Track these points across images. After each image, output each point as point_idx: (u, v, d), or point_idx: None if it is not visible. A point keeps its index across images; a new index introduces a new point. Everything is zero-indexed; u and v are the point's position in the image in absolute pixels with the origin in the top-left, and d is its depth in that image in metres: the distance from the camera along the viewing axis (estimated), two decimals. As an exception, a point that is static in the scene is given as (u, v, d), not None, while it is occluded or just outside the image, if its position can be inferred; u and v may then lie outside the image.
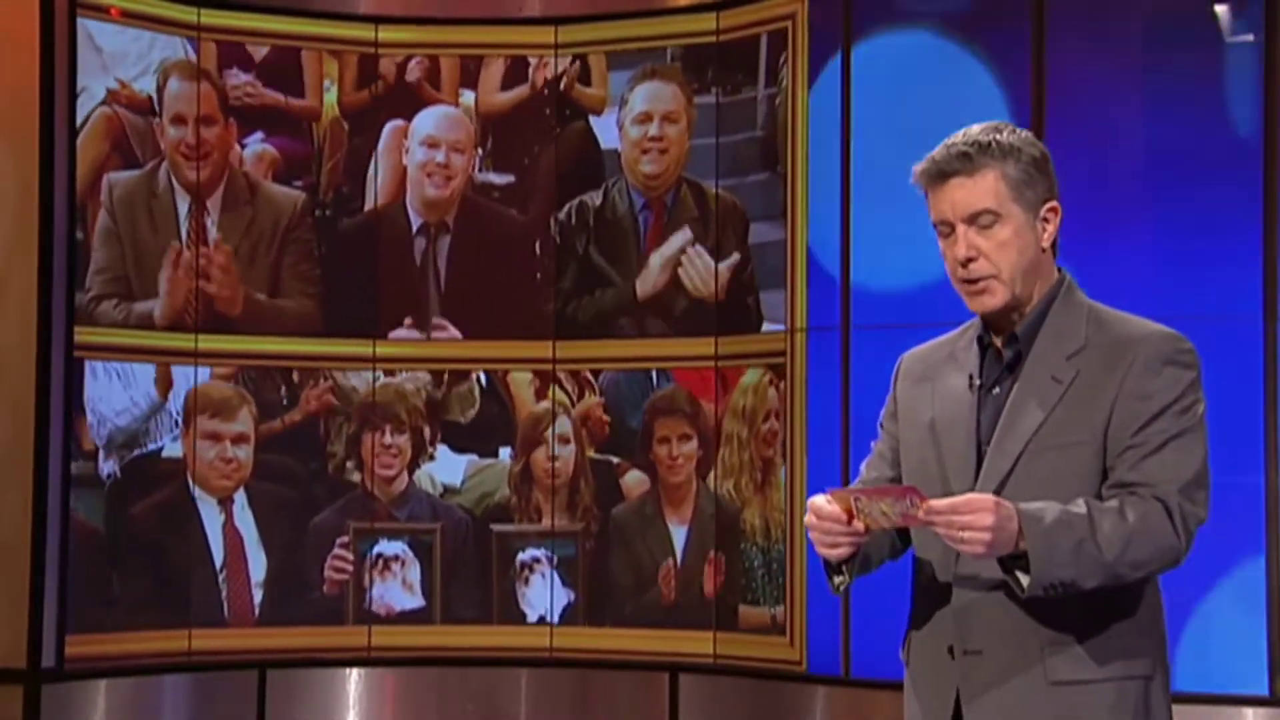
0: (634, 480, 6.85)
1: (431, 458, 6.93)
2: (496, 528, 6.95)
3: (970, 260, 2.99)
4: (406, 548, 6.89)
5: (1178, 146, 5.76)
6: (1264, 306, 5.59)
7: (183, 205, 6.68)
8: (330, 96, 6.91)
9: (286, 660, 6.77)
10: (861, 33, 6.27)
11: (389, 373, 6.90)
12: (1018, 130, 3.05)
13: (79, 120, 6.42)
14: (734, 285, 6.63)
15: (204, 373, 6.70)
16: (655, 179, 6.84)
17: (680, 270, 6.76)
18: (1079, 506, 2.87)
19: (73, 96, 6.36)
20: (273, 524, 6.78)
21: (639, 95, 6.87)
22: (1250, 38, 5.66)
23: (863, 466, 3.26)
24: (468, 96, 6.99)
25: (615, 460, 6.88)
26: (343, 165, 6.94)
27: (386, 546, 6.89)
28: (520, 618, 6.90)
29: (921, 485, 2.89)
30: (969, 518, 2.80)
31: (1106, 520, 2.86)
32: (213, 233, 6.72)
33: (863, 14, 6.27)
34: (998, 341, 3.06)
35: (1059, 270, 3.07)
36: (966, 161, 2.99)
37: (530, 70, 6.98)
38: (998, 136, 3.00)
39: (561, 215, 6.94)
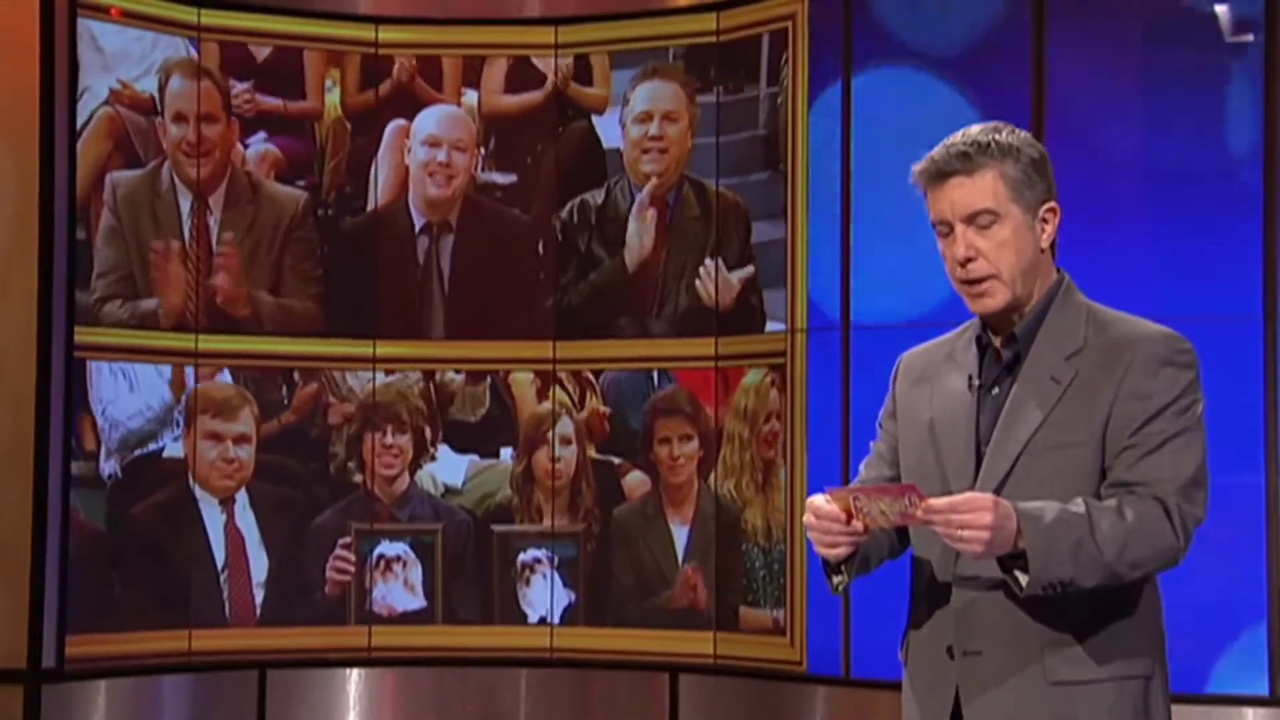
0: (635, 481, 6.85)
1: (433, 458, 6.93)
2: (498, 528, 6.95)
3: (969, 260, 3.00)
4: (408, 549, 6.89)
5: (1178, 147, 5.76)
6: (1264, 307, 5.59)
7: (185, 204, 6.68)
8: (332, 96, 6.91)
9: (287, 660, 6.77)
10: (861, 33, 6.27)
11: (390, 373, 6.91)
12: (1017, 131, 3.06)
13: (82, 120, 6.42)
14: (738, 285, 6.63)
15: (204, 373, 6.71)
16: (656, 178, 6.83)
17: (698, 282, 6.75)
18: (1077, 506, 2.87)
19: (73, 96, 6.36)
20: (274, 524, 6.78)
21: (640, 94, 6.87)
22: (1250, 38, 5.66)
23: (862, 466, 3.27)
24: (470, 96, 6.99)
25: (616, 461, 6.88)
26: (345, 165, 6.94)
27: (388, 547, 6.89)
28: (521, 618, 6.90)
29: (921, 485, 2.89)
30: (968, 516, 2.80)
31: (1105, 519, 2.86)
32: (215, 231, 6.72)
33: (863, 14, 6.27)
34: (996, 342, 3.06)
35: (1058, 271, 3.08)
36: (966, 161, 2.99)
37: (533, 70, 6.98)
38: (997, 137, 3.01)
39: (564, 214, 6.94)
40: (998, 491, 2.91)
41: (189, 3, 6.68)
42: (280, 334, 6.81)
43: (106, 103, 6.50)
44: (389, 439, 6.89)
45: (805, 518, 2.98)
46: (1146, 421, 2.93)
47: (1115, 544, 2.85)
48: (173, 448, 6.64)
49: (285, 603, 6.78)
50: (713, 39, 6.72)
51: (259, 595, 6.76)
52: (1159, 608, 3.03)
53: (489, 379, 6.96)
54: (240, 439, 6.74)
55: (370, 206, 6.94)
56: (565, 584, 6.91)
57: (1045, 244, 3.03)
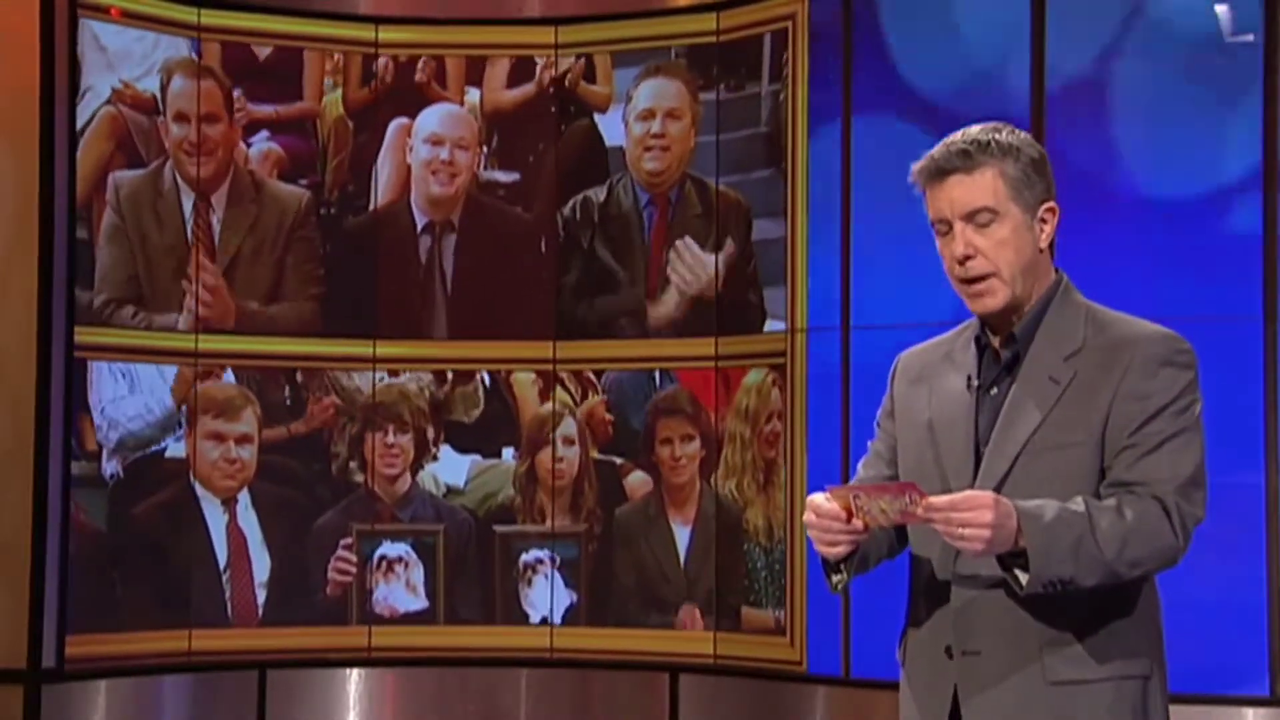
0: (637, 481, 6.85)
1: (435, 458, 6.93)
2: (499, 529, 6.95)
3: (968, 258, 3.00)
4: (410, 549, 6.89)
5: (1177, 148, 5.76)
6: (1264, 307, 5.59)
7: (187, 204, 6.69)
8: (334, 95, 6.91)
9: (287, 660, 6.77)
10: (862, 32, 6.27)
11: (391, 373, 6.91)
12: (1017, 131, 3.06)
13: (85, 120, 6.43)
14: (737, 283, 6.63)
15: (205, 373, 6.71)
16: (658, 176, 6.83)
17: (673, 272, 6.75)
18: (1077, 504, 2.87)
19: (73, 97, 6.37)
20: (276, 525, 6.78)
21: (643, 92, 6.87)
22: (1250, 38, 5.66)
23: (860, 465, 3.26)
24: (472, 94, 6.99)
25: (618, 461, 6.88)
26: (347, 164, 6.94)
27: (390, 548, 6.89)
28: (523, 618, 6.90)
29: (920, 485, 2.89)
30: (968, 514, 2.80)
31: (1105, 518, 2.86)
32: (218, 230, 6.72)
33: (863, 14, 6.27)
34: (995, 342, 3.06)
35: (1056, 271, 3.08)
36: (966, 159, 2.99)
37: (535, 68, 6.98)
38: (997, 136, 3.01)
39: (566, 211, 6.94)
40: (996, 491, 2.90)
41: (189, 3, 6.69)
42: (281, 334, 6.81)
43: (109, 102, 6.51)
44: (390, 438, 6.89)
45: (805, 516, 2.98)
46: (1145, 421, 2.93)
47: (1115, 543, 2.85)
48: (174, 448, 6.64)
49: (286, 603, 6.79)
50: (712, 39, 6.72)
51: (260, 595, 6.76)
52: (1158, 607, 3.03)
53: (490, 379, 6.96)
54: (242, 439, 6.74)
55: (372, 206, 6.94)
56: (567, 584, 6.91)
57: (1044, 244, 3.03)
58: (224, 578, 6.71)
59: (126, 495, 6.53)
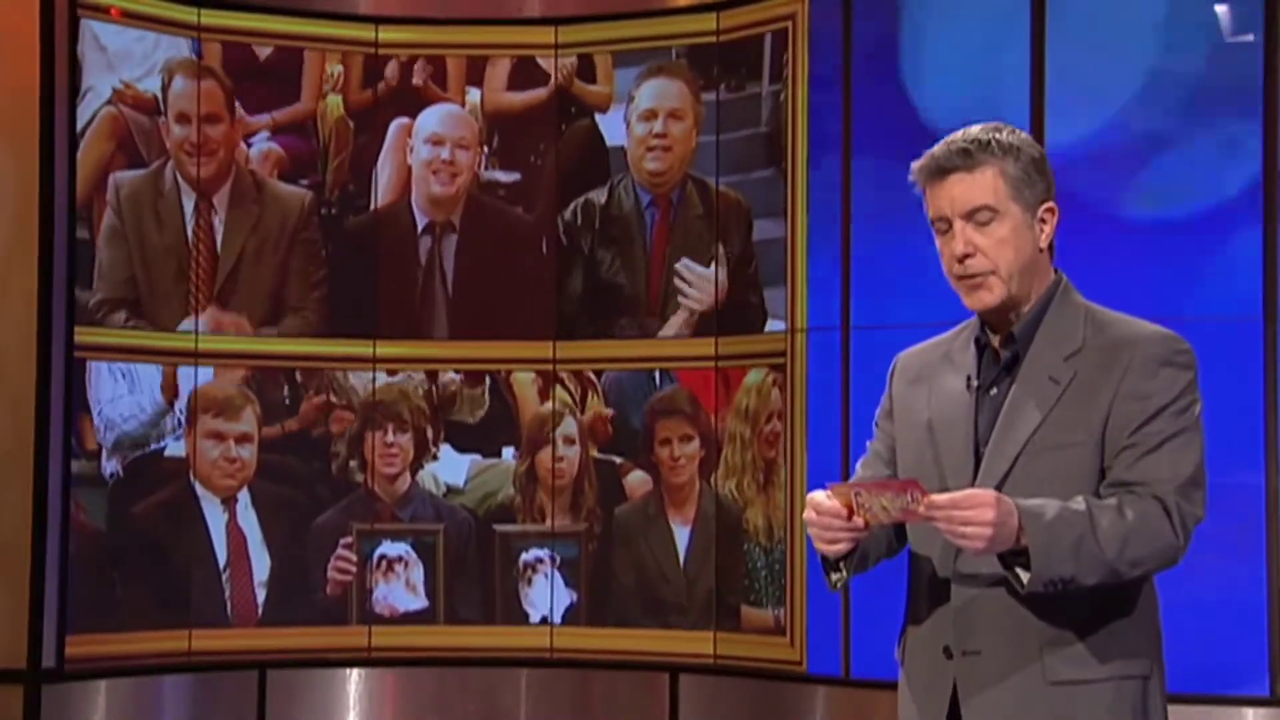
0: (636, 480, 6.85)
1: (434, 457, 6.93)
2: (499, 528, 6.95)
3: (967, 256, 3.00)
4: (409, 549, 6.89)
5: (1177, 146, 5.76)
6: (1264, 307, 5.59)
7: (189, 204, 6.69)
8: (335, 95, 6.91)
9: (287, 660, 6.77)
10: (862, 33, 6.27)
11: (391, 373, 6.90)
12: (1017, 131, 3.06)
13: (85, 120, 6.43)
14: (738, 284, 6.62)
15: (205, 373, 6.71)
16: (660, 176, 6.83)
17: (682, 297, 6.76)
18: (1078, 503, 2.87)
19: (73, 97, 6.37)
20: (276, 524, 6.78)
21: (645, 92, 6.86)
22: (1250, 38, 5.66)
23: (858, 466, 3.26)
24: (473, 94, 6.99)
25: (618, 460, 6.88)
26: (348, 164, 6.94)
27: (389, 548, 6.89)
28: (523, 618, 6.90)
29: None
30: (970, 513, 2.80)
31: (1105, 517, 2.86)
32: (220, 231, 6.72)
33: (863, 14, 6.27)
34: (995, 342, 3.06)
35: (1055, 271, 3.08)
36: (966, 158, 3.00)
37: (536, 68, 6.98)
38: (997, 135, 3.02)
39: (567, 214, 6.94)
40: (996, 491, 2.91)
41: (189, 3, 6.69)
42: (281, 334, 6.82)
43: (110, 102, 6.51)
44: (390, 437, 6.89)
45: (806, 514, 2.97)
46: (1146, 422, 2.93)
47: (1116, 542, 2.86)
48: (174, 447, 6.64)
49: (286, 602, 6.79)
50: (712, 39, 6.72)
51: (260, 595, 6.76)
52: (1157, 608, 3.03)
53: (490, 379, 6.96)
54: (242, 438, 6.74)
55: (373, 206, 6.94)
56: (567, 584, 6.91)
57: (1044, 243, 3.04)
58: (223, 577, 6.71)
59: (126, 494, 6.53)
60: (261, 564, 6.77)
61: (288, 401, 6.83)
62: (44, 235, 6.29)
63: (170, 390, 6.62)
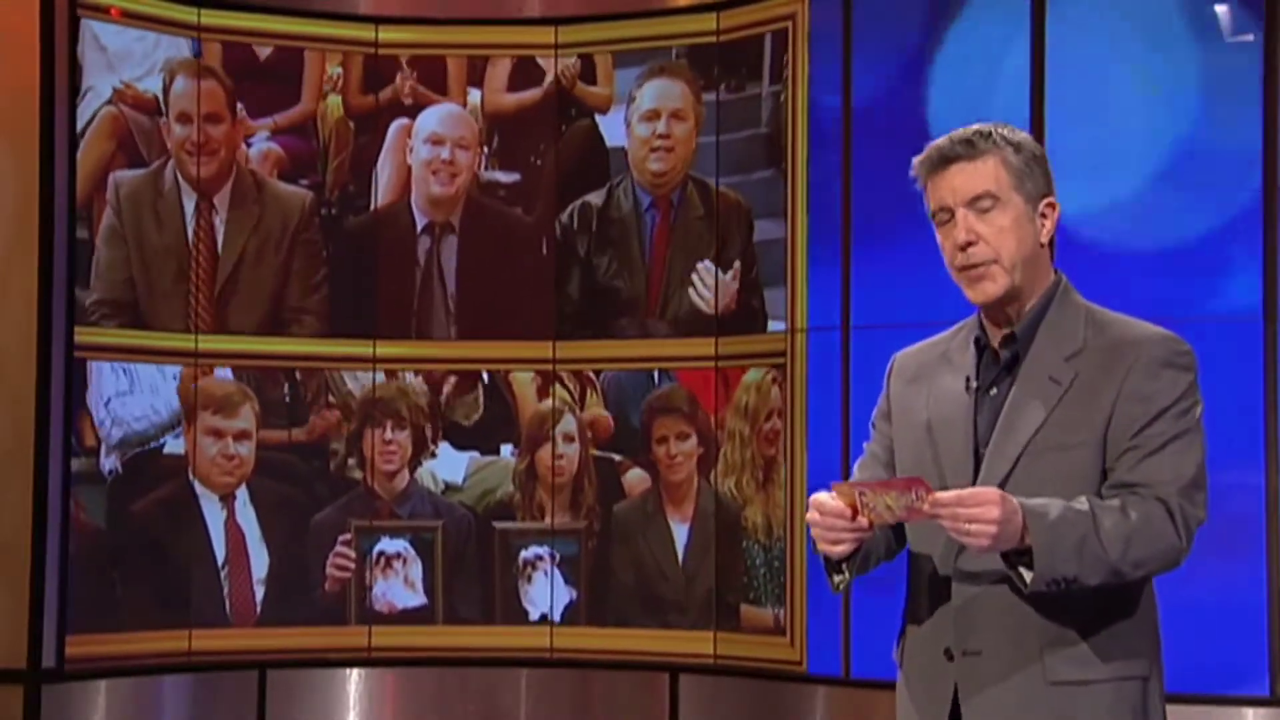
0: (635, 478, 6.85)
1: (433, 455, 6.93)
2: (499, 525, 6.95)
3: (969, 244, 3.00)
4: (408, 545, 6.90)
5: (1177, 146, 5.76)
6: (1264, 307, 5.59)
7: (189, 204, 6.69)
8: (335, 95, 6.91)
9: (287, 660, 6.77)
10: (862, 33, 6.27)
11: (390, 374, 6.90)
12: (1018, 130, 3.07)
13: (86, 120, 6.43)
14: (738, 284, 6.62)
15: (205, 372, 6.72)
16: (662, 177, 6.83)
17: (696, 295, 6.75)
18: (1081, 504, 2.88)
19: (74, 97, 6.37)
20: (274, 521, 6.79)
21: (647, 92, 6.86)
22: (1250, 38, 5.66)
23: (856, 468, 3.26)
24: (474, 95, 6.99)
25: (617, 458, 6.88)
26: (348, 164, 6.94)
27: (388, 544, 6.89)
28: (522, 616, 6.90)
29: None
30: (975, 510, 2.80)
31: (1109, 518, 2.87)
32: (220, 231, 6.72)
33: (863, 14, 6.27)
34: (995, 342, 3.06)
35: (1055, 272, 3.08)
36: (969, 147, 3.01)
37: (535, 68, 6.98)
38: (999, 130, 3.03)
39: (564, 218, 6.93)
40: (999, 491, 2.91)
41: (189, 3, 6.69)
42: (281, 334, 6.82)
43: (110, 102, 6.51)
44: (389, 435, 6.89)
45: (809, 515, 2.96)
46: (1148, 423, 2.94)
47: (1119, 542, 2.86)
48: (173, 444, 6.64)
49: (285, 600, 6.79)
50: (712, 39, 6.72)
51: (259, 592, 6.76)
52: (1156, 609, 3.03)
53: (490, 377, 6.96)
54: (241, 435, 6.74)
55: (372, 206, 6.94)
56: (566, 581, 6.91)
57: (1044, 238, 3.04)
58: (222, 575, 6.71)
59: (125, 492, 6.53)
60: (260, 561, 6.77)
61: (288, 400, 6.83)
62: (44, 235, 6.29)
63: (180, 388, 6.62)
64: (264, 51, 6.85)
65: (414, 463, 6.92)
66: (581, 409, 6.91)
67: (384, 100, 6.95)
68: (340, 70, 6.92)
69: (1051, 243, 3.07)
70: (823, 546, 2.96)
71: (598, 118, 6.94)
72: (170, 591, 6.62)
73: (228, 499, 6.73)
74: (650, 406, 6.81)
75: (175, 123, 6.66)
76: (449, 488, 6.95)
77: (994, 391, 3.04)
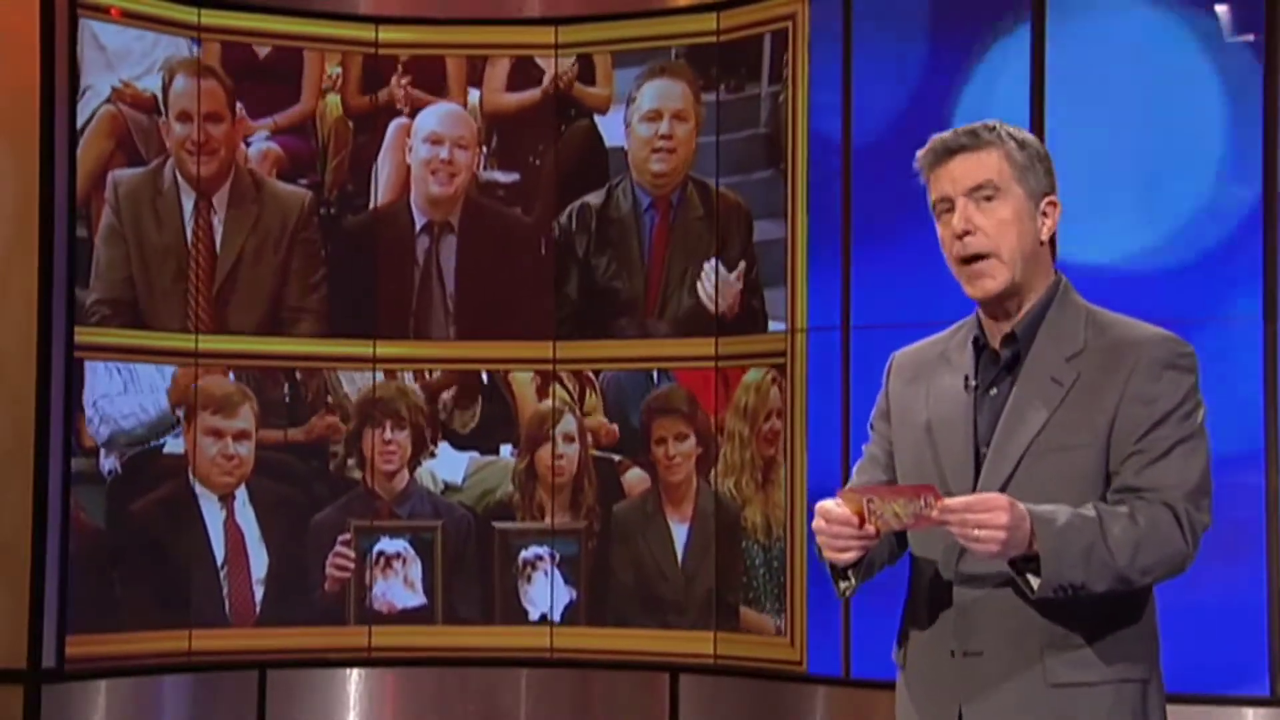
0: (635, 478, 6.85)
1: (433, 455, 6.93)
2: (498, 525, 6.95)
3: (967, 233, 2.99)
4: (408, 545, 6.90)
5: (1177, 146, 5.76)
6: (1264, 307, 5.59)
7: (188, 203, 6.69)
8: (334, 95, 6.91)
9: (287, 660, 6.77)
10: (862, 33, 6.27)
11: (389, 374, 6.90)
12: (1023, 129, 3.07)
13: (85, 119, 6.43)
14: (741, 285, 6.62)
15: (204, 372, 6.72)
16: (663, 178, 6.83)
17: (702, 291, 6.75)
18: (1089, 510, 2.87)
19: (73, 96, 6.37)
20: (274, 521, 6.79)
21: (648, 93, 6.85)
22: (1250, 37, 5.66)
23: (855, 470, 3.25)
24: (473, 95, 6.99)
25: (617, 458, 6.88)
26: (347, 164, 6.94)
27: (388, 544, 6.89)
28: (522, 616, 6.90)
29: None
30: (984, 516, 2.79)
31: (1117, 524, 2.86)
32: (219, 230, 6.72)
33: (863, 14, 6.27)
34: (994, 342, 3.06)
35: (1056, 273, 3.08)
36: (973, 138, 3.01)
37: (535, 69, 6.98)
38: (1004, 126, 3.04)
39: (563, 218, 6.93)
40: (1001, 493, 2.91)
41: (189, 2, 6.68)
42: (280, 334, 6.82)
43: (109, 101, 6.51)
44: (388, 435, 6.89)
45: (815, 523, 2.94)
46: (1152, 427, 2.93)
47: (1127, 549, 2.86)
48: (173, 444, 6.64)
49: (285, 599, 6.78)
50: (712, 39, 6.72)
51: (259, 592, 6.76)
52: (1154, 611, 3.03)
53: (489, 377, 6.96)
54: (240, 435, 6.74)
55: (372, 205, 6.94)
56: (566, 581, 6.91)
57: (1045, 236, 3.03)
58: (221, 574, 6.71)
59: (125, 492, 6.53)
60: (259, 561, 6.77)
61: (287, 400, 6.83)
62: (44, 235, 6.29)
63: (180, 388, 6.62)
64: (263, 51, 6.85)
65: (413, 463, 6.92)
66: (581, 409, 6.91)
67: (383, 100, 6.96)
68: (340, 70, 6.92)
69: (1052, 242, 3.07)
70: (829, 554, 2.95)
71: (597, 118, 6.94)
72: (170, 591, 6.62)
73: (227, 499, 6.73)
74: (649, 407, 6.81)
75: (175, 122, 6.66)
76: (449, 488, 6.95)
77: (994, 391, 3.03)
